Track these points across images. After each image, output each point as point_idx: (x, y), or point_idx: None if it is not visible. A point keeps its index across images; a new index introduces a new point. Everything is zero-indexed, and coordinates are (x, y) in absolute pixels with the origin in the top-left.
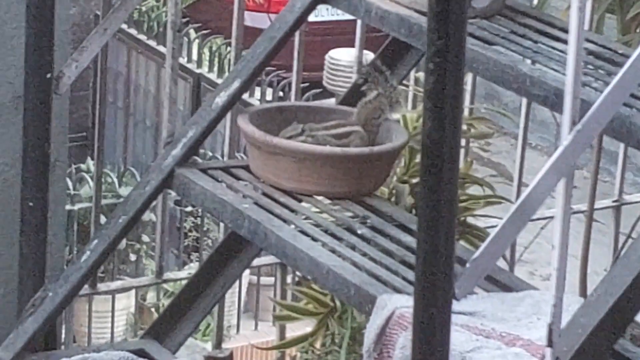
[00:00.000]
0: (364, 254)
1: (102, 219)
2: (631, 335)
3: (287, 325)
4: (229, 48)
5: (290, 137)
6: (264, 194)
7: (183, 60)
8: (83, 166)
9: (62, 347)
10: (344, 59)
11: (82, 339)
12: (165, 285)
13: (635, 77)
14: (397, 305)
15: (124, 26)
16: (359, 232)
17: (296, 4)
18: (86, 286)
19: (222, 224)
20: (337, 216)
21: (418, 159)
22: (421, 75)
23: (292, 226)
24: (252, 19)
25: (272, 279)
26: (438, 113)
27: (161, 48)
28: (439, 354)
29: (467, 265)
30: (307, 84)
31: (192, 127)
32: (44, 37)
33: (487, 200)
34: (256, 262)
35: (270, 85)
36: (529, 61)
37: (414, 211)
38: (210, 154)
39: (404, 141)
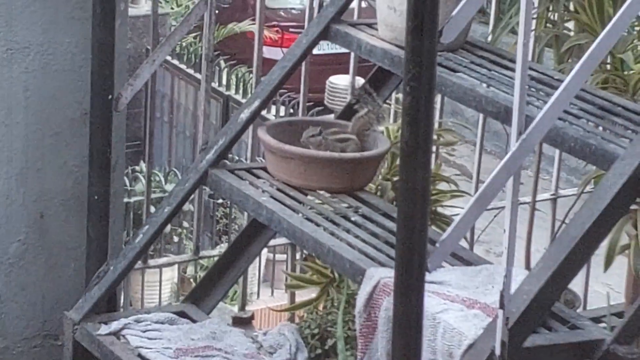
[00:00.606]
0: (356, 236)
1: (152, 209)
2: (565, 299)
3: (297, 292)
4: (251, 75)
5: (312, 136)
6: (278, 189)
7: (215, 84)
8: (137, 168)
9: (121, 309)
10: (341, 83)
11: (136, 304)
12: (201, 261)
13: (568, 98)
14: (382, 276)
15: (169, 58)
16: (352, 219)
17: (302, 40)
18: (139, 262)
19: (245, 213)
20: (335, 207)
21: (398, 161)
22: (400, 95)
23: (300, 214)
24: (269, 52)
25: (285, 255)
26: (413, 126)
27: (197, 75)
28: (414, 314)
29: (437, 244)
30: (311, 103)
31: (222, 137)
32: (106, 66)
33: (452, 194)
34: (272, 242)
35: (283, 104)
36: (484, 85)
37: (394, 203)
38: (237, 157)
39: (387, 148)
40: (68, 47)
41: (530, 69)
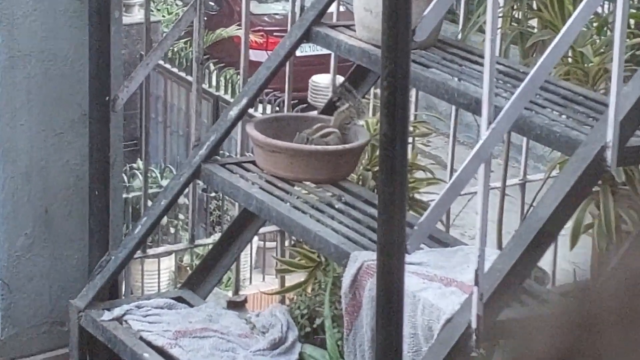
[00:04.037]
0: (340, 222)
1: (149, 203)
2: (535, 276)
3: (286, 276)
4: (238, 76)
5: (303, 144)
6: (267, 181)
7: (205, 85)
8: (134, 165)
9: (123, 297)
10: (322, 82)
11: (137, 292)
12: (196, 250)
13: (533, 89)
14: (365, 259)
15: (161, 62)
16: (336, 206)
17: (286, 42)
18: (139, 251)
19: (237, 204)
20: (320, 195)
21: (378, 152)
22: (378, 91)
23: (288, 204)
24: (255, 55)
25: (275, 243)
26: (391, 119)
27: (189, 77)
28: (396, 293)
29: (415, 228)
30: (296, 101)
31: (213, 134)
32: (102, 70)
33: (428, 182)
34: (262, 230)
35: (269, 102)
36: (456, 79)
37: (375, 190)
38: (227, 153)
39: (367, 140)
40: (67, 54)
41: (498, 63)
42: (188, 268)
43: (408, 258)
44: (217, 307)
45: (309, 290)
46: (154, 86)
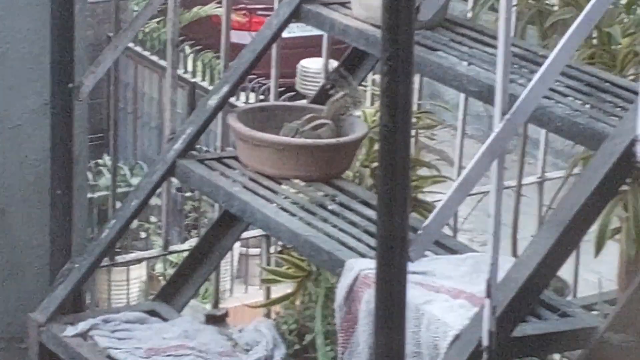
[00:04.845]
0: (334, 226)
1: (117, 205)
2: (554, 287)
3: (272, 288)
4: (218, 61)
5: (292, 137)
6: (251, 179)
7: (180, 71)
8: (101, 161)
9: (88, 310)
10: (313, 67)
11: (103, 305)
12: (170, 258)
13: (553, 74)
14: (362, 267)
15: (131, 45)
16: (330, 207)
17: (273, 21)
18: (106, 259)
19: (216, 205)
20: (311, 195)
21: (376, 147)
22: (377, 77)
23: (274, 204)
24: (237, 37)
25: (259, 249)
26: (392, 108)
27: (162, 62)
28: (397, 306)
29: (419, 232)
30: (283, 89)
31: (190, 125)
32: (65, 54)
33: (434, 180)
34: (245, 235)
35: (253, 90)
36: (465, 63)
37: (374, 190)
38: (205, 148)
39: (365, 132)
40: (26, 35)
41: (513, 45)
42: (161, 278)
43: (411, 266)
44: (194, 322)
45: (298, 302)
46: (123, 72)
